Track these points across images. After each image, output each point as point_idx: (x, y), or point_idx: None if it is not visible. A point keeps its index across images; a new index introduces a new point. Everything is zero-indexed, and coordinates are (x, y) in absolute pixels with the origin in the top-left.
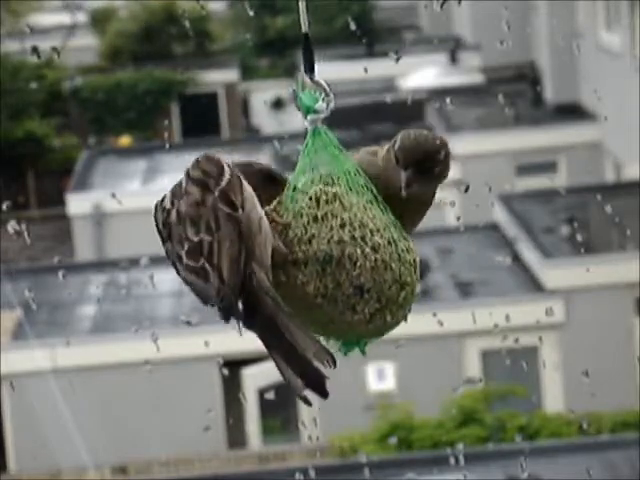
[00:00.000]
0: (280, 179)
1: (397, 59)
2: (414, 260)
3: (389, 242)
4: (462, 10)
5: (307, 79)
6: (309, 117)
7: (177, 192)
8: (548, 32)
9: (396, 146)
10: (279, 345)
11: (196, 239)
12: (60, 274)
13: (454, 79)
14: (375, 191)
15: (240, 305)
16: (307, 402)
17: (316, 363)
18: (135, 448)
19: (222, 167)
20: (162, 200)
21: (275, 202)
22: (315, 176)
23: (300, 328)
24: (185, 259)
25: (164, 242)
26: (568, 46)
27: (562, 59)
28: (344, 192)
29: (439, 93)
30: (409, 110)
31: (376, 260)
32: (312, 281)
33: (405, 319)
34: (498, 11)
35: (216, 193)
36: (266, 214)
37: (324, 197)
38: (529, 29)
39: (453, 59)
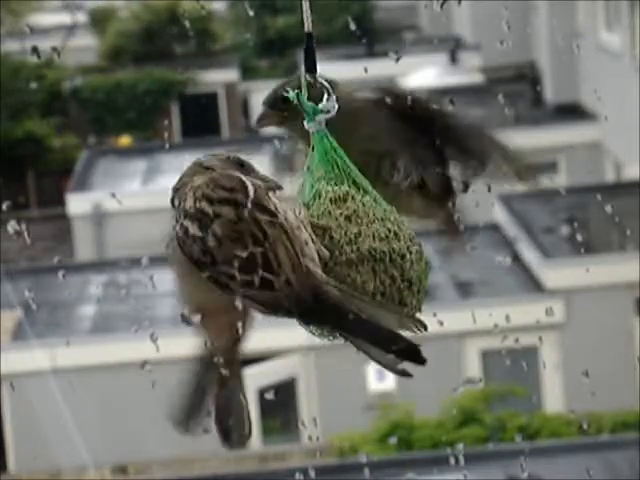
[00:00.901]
0: (248, 165)
1: (397, 59)
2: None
3: (414, 235)
4: (462, 10)
5: (310, 79)
6: (317, 118)
7: (202, 218)
8: (548, 32)
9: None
10: (360, 329)
11: (245, 254)
12: (60, 274)
13: (454, 79)
14: (376, 193)
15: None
16: (407, 374)
17: (405, 333)
18: (135, 448)
19: (241, 179)
20: (185, 232)
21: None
22: (325, 179)
23: (376, 306)
24: (240, 276)
25: (207, 270)
26: (568, 46)
27: (562, 59)
28: (354, 193)
29: (439, 93)
30: None
31: (416, 252)
32: (370, 280)
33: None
34: (498, 11)
35: (249, 205)
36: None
37: (342, 197)
38: (529, 29)
39: (453, 59)
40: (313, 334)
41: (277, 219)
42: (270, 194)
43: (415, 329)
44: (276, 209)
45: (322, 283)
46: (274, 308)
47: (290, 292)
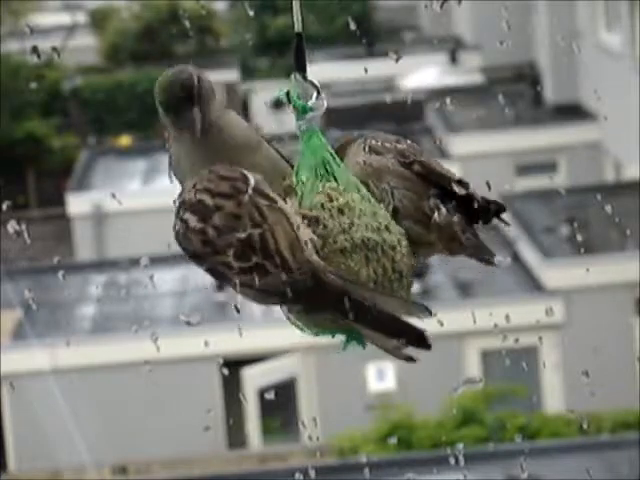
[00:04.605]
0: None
1: (397, 59)
2: None
3: (404, 231)
4: (462, 10)
5: (300, 79)
6: (307, 116)
7: (203, 210)
8: (548, 32)
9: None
10: (364, 316)
11: (244, 236)
12: (60, 274)
13: (454, 79)
14: (365, 191)
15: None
16: (411, 359)
17: (411, 319)
18: (135, 448)
19: (242, 171)
20: (185, 226)
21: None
22: (316, 175)
23: (379, 293)
24: (235, 263)
25: (206, 261)
26: (568, 46)
27: (562, 59)
28: (343, 189)
29: (439, 93)
30: (409, 110)
31: (406, 246)
32: (363, 268)
33: None
34: (498, 11)
35: (250, 191)
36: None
37: (333, 192)
38: (529, 29)
39: (453, 59)
40: (300, 329)
41: (277, 204)
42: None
43: (421, 315)
44: (275, 196)
45: (321, 267)
46: (271, 293)
47: (288, 273)
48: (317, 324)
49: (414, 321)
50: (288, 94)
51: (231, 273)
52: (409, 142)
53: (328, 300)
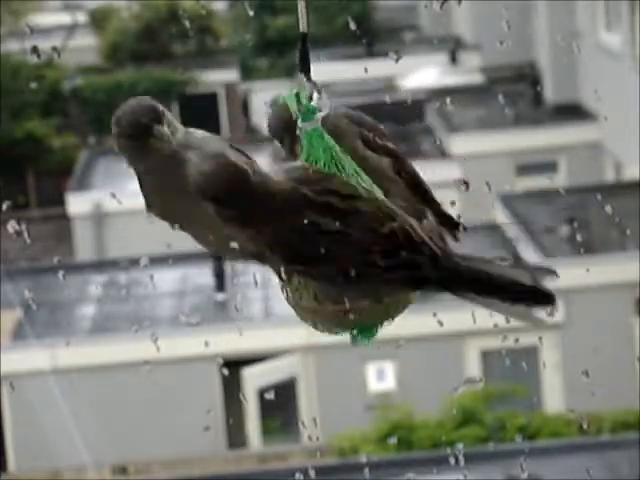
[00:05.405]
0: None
1: (397, 59)
2: None
3: None
4: (462, 10)
5: (304, 79)
6: (315, 117)
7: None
8: (548, 32)
9: None
10: (496, 289)
11: (386, 231)
12: (60, 274)
13: (454, 79)
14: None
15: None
16: (542, 322)
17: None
18: (135, 448)
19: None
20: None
21: None
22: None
23: (500, 267)
24: (381, 262)
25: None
26: (568, 46)
27: (562, 59)
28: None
29: (439, 93)
30: (409, 110)
31: None
32: None
33: None
34: (498, 11)
35: None
36: None
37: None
38: (529, 29)
39: (453, 59)
40: (314, 327)
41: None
42: None
43: (549, 277)
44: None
45: (451, 254)
46: (415, 284)
47: (432, 260)
48: (336, 324)
49: (537, 283)
50: (298, 95)
51: (377, 271)
52: (388, 137)
53: (464, 281)
